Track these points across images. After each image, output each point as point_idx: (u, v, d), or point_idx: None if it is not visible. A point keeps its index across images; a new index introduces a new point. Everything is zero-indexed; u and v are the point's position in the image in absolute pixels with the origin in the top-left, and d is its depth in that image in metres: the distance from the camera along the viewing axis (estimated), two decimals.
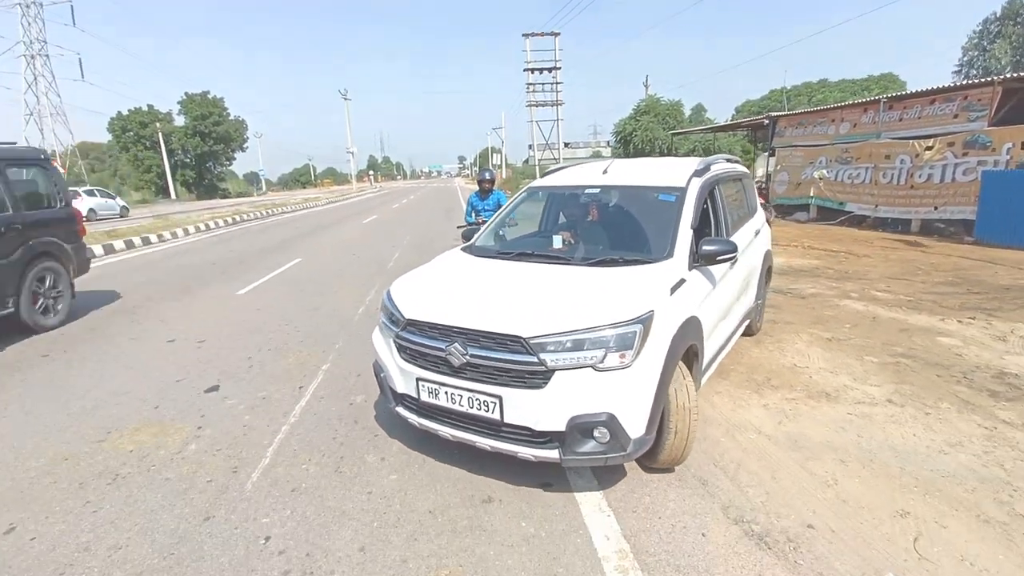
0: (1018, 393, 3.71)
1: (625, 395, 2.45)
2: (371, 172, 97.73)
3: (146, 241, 13.99)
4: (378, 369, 3.12)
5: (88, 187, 28.16)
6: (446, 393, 2.67)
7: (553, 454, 2.49)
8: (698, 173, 3.62)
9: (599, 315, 2.51)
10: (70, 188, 9.50)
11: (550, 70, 34.88)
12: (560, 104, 35.89)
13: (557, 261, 3.30)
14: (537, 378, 2.47)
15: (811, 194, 14.97)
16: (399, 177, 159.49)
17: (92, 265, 8.03)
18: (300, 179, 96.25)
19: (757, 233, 4.69)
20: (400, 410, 2.98)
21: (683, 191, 3.46)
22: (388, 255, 10.69)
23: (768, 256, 5.09)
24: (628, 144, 35.48)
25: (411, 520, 2.54)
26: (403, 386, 2.88)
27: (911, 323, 5.37)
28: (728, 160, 4.46)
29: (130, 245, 13.19)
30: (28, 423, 3.68)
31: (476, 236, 4.11)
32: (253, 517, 2.58)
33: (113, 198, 27.42)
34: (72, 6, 43.75)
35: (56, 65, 52.39)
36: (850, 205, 13.64)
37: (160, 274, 9.50)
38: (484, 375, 2.57)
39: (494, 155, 65.67)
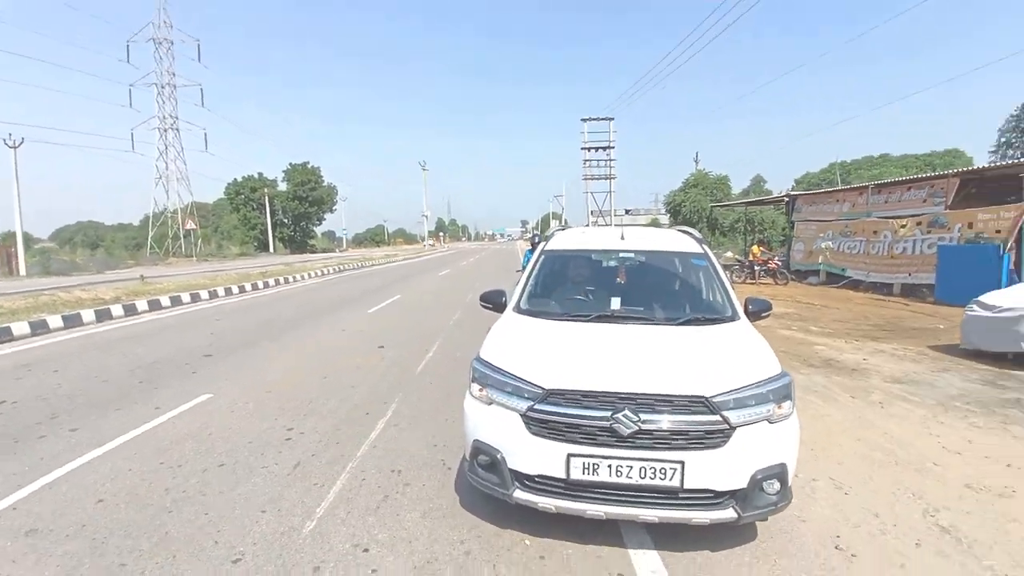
0: (827, 366, 6.57)
1: (791, 444, 2.55)
2: (440, 233, 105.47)
3: (287, 280, 18.83)
4: (488, 449, 2.68)
5: None
6: (609, 466, 2.47)
7: (729, 514, 2.44)
8: (701, 241, 4.01)
9: (757, 371, 2.60)
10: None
11: (605, 148, 39.18)
12: (613, 178, 39.74)
13: (641, 321, 3.27)
14: (717, 437, 2.43)
15: (820, 261, 17.57)
16: (463, 239, 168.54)
17: (265, 293, 12.03)
18: (374, 238, 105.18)
19: None
20: (522, 495, 2.62)
21: (707, 256, 3.72)
22: (464, 297, 14.25)
23: None
24: (678, 214, 38.66)
25: None
26: (538, 466, 2.57)
27: (810, 340, 8.18)
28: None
29: (278, 282, 17.98)
30: (300, 355, 7.30)
31: (514, 300, 3.80)
32: (422, 378, 6.00)
33: None
34: (202, 89, 52.23)
35: (184, 137, 61.93)
36: (850, 271, 16.14)
37: (312, 299, 13.59)
38: (658, 441, 2.45)
39: (554, 220, 70.45)
